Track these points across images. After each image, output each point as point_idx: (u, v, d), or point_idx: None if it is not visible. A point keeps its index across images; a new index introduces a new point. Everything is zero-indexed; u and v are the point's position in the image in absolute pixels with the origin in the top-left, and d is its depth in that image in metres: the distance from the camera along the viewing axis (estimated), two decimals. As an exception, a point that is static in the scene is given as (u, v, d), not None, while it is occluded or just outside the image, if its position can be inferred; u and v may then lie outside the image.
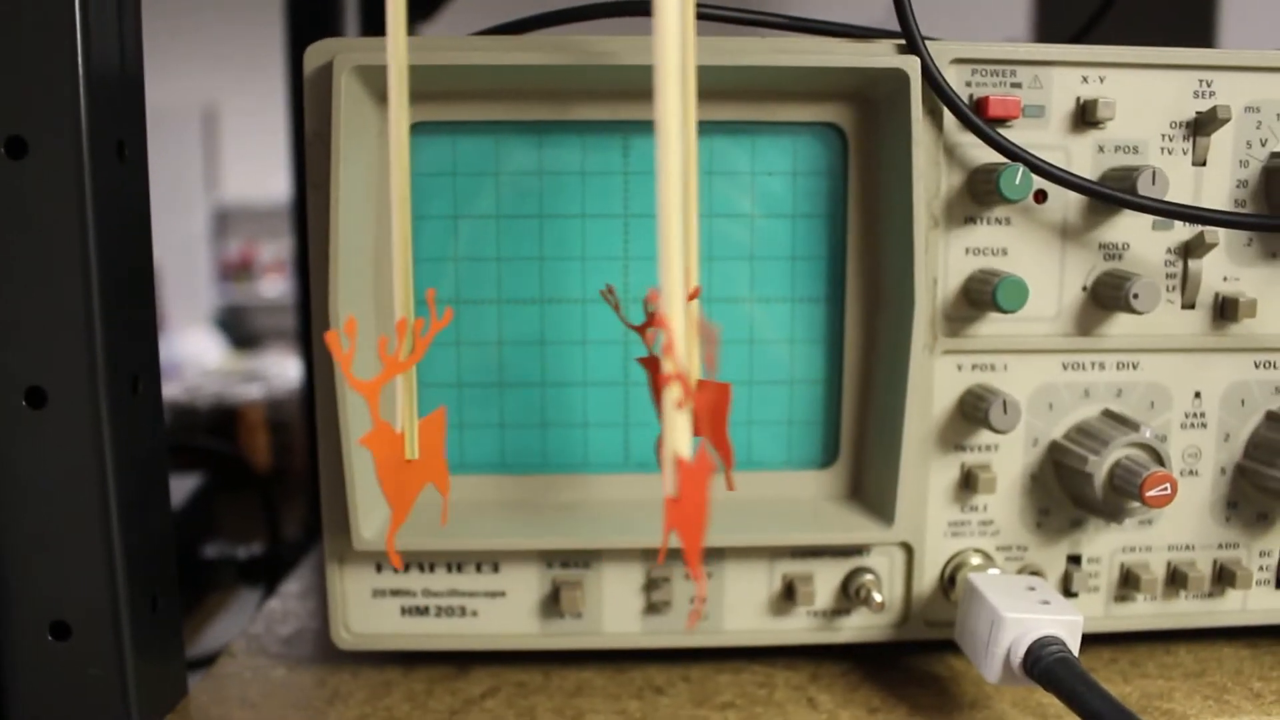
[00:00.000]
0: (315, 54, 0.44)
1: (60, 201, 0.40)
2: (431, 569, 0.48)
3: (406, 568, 0.48)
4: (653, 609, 0.49)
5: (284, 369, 1.40)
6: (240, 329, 4.88)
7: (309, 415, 0.97)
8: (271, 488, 0.84)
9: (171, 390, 1.15)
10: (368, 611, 0.48)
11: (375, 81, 0.44)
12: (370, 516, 0.46)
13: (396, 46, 0.37)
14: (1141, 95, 0.46)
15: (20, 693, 0.42)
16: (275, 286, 5.31)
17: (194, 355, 3.16)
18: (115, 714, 0.43)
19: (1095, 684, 0.39)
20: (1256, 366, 0.49)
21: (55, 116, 0.39)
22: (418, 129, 0.46)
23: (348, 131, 0.43)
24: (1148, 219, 0.47)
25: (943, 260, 0.47)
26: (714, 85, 0.46)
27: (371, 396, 0.37)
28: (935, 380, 0.48)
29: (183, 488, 0.80)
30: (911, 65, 0.44)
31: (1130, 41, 0.47)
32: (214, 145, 5.25)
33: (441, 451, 0.40)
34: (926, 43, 0.45)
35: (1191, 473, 0.49)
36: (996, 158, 0.45)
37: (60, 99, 0.39)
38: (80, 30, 0.39)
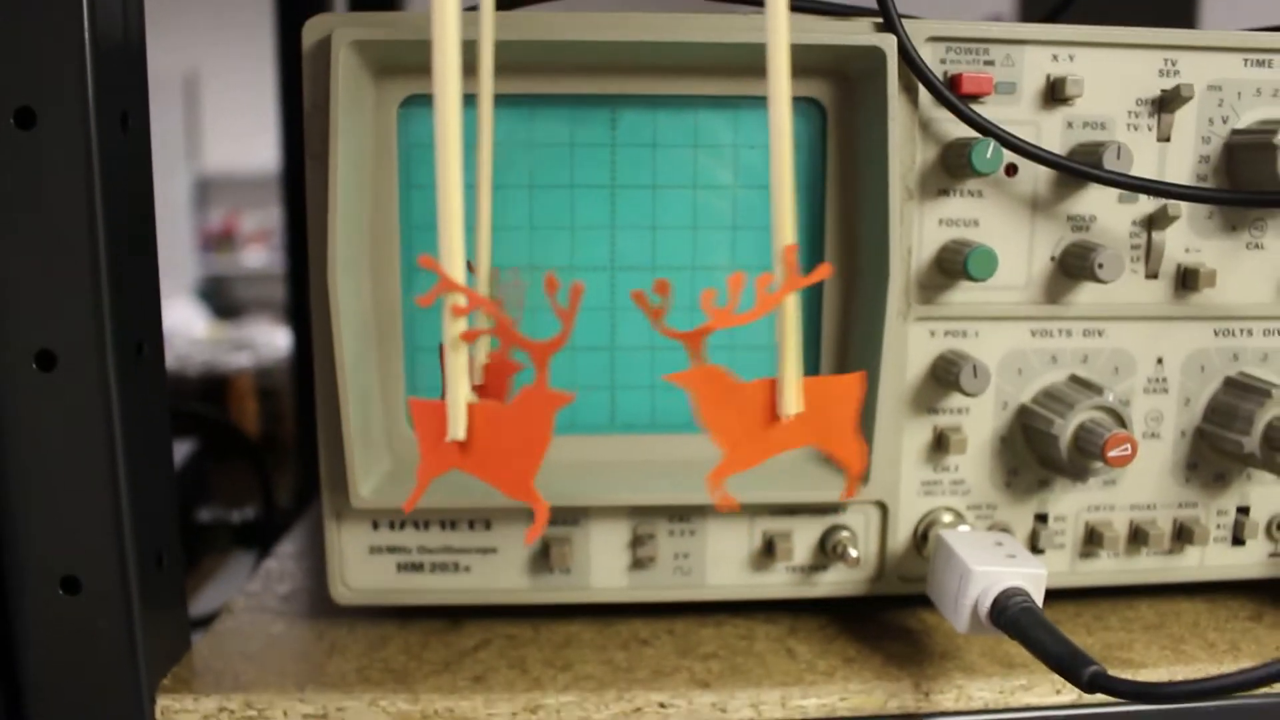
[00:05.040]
0: (313, 28, 0.45)
1: (68, 170, 0.41)
2: (426, 526, 0.50)
3: (402, 525, 0.50)
4: (638, 565, 0.51)
5: (272, 338, 1.41)
6: (222, 299, 4.86)
7: (298, 383, 0.98)
8: (263, 453, 0.86)
9: (161, 358, 1.16)
10: (365, 567, 0.50)
11: (372, 56, 0.45)
12: (368, 475, 0.48)
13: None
14: (1109, 73, 0.48)
15: (32, 646, 0.44)
16: (258, 257, 5.29)
17: (177, 325, 3.16)
18: (124, 666, 0.44)
19: (1057, 631, 0.42)
20: (1216, 334, 0.51)
21: (62, 88, 0.40)
22: (410, 102, 0.48)
23: (345, 105, 0.44)
24: (1114, 192, 0.49)
25: (917, 231, 0.49)
26: (697, 61, 0.47)
27: (690, 344, 0.38)
28: (909, 346, 0.50)
29: (177, 453, 0.82)
30: (888, 43, 0.46)
31: (1111, 21, 0.48)
32: (195, 113, 5.21)
33: (850, 420, 0.39)
34: (903, 21, 0.46)
35: (1153, 435, 0.52)
36: (969, 133, 0.47)
37: (67, 71, 0.40)
38: (86, 3, 0.40)
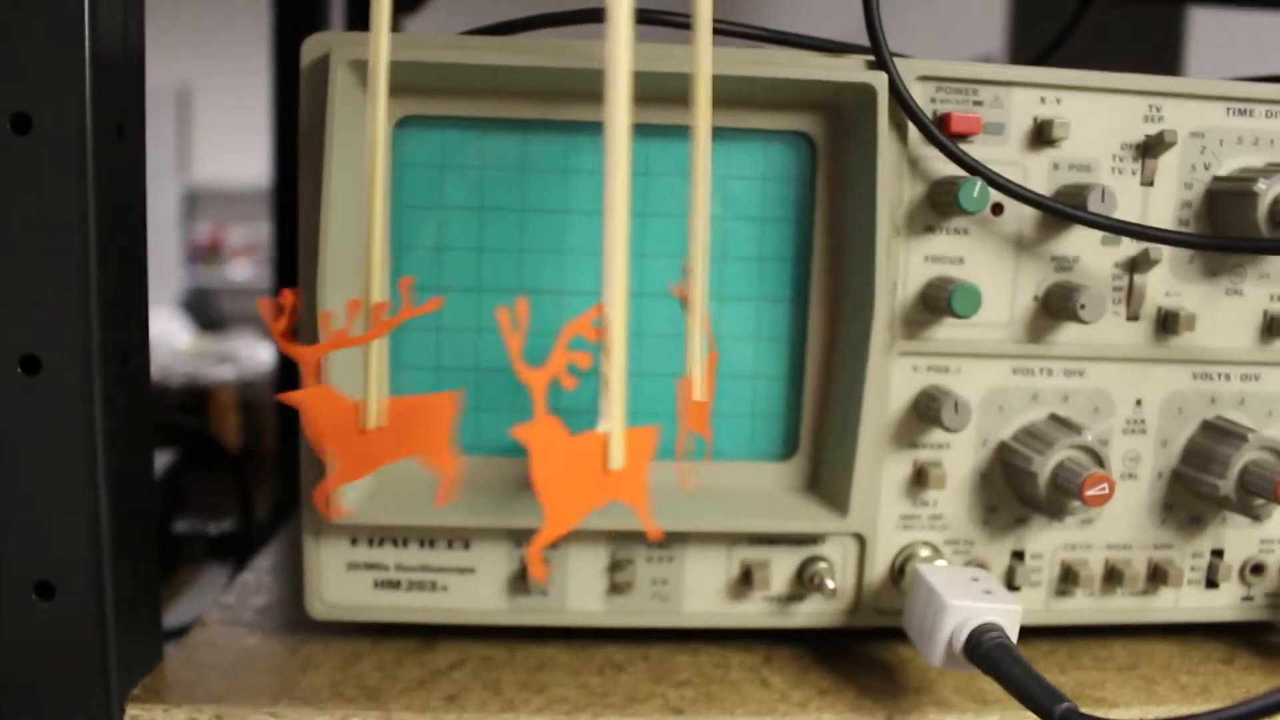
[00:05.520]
0: (312, 47, 0.46)
1: (62, 177, 0.41)
2: (404, 544, 0.50)
3: (380, 542, 0.50)
4: (615, 589, 0.51)
5: (255, 351, 1.41)
6: (206, 311, 4.85)
7: (281, 397, 0.98)
8: (243, 466, 0.85)
9: (143, 368, 1.16)
10: (342, 583, 0.50)
11: (369, 75, 0.46)
12: (347, 492, 0.48)
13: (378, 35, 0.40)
14: (1095, 117, 0.49)
15: (3, 649, 0.43)
16: (243, 270, 5.29)
17: (161, 335, 3.15)
18: (94, 673, 0.44)
19: (1030, 668, 0.42)
20: (1194, 377, 0.52)
21: (60, 95, 0.41)
22: (407, 122, 0.48)
23: (342, 124, 0.45)
24: (1097, 234, 0.50)
25: (903, 266, 0.49)
26: (689, 91, 0.48)
27: (306, 362, 0.42)
28: (892, 380, 0.50)
29: (156, 463, 0.81)
30: (879, 80, 0.46)
31: (1099, 65, 0.49)
32: (186, 126, 5.22)
33: (443, 435, 0.43)
34: (894, 59, 0.47)
35: (1131, 476, 0.52)
36: (957, 171, 0.48)
37: (66, 78, 0.41)
38: (87, 10, 0.41)
